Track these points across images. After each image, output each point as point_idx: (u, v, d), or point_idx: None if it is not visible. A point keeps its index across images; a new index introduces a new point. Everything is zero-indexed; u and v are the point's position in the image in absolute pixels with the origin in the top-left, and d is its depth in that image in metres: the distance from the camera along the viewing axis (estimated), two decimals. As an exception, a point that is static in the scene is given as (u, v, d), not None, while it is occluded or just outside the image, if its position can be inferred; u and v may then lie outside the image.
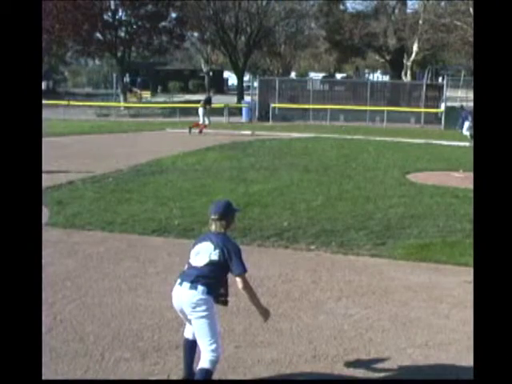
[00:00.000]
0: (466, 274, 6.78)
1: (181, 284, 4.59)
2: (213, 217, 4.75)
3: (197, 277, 4.54)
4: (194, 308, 4.49)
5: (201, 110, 25.60)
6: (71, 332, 5.66)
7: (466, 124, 22.97)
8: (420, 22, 37.71)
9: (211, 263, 4.57)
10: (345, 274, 7.49)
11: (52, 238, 8.69)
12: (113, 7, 40.93)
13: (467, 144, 21.09)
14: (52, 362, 5.05)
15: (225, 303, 4.89)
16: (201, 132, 24.94)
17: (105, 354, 5.22)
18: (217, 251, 4.59)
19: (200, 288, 4.49)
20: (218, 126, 27.68)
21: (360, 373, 4.99)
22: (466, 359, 5.04)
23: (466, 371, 4.87)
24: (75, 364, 5.04)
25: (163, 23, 42.76)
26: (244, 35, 48.96)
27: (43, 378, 4.08)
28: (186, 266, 4.75)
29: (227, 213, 4.78)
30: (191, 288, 4.50)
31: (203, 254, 4.63)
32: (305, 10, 51.06)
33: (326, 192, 12.45)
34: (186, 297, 4.52)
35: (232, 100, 43.05)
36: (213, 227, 4.76)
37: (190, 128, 24.97)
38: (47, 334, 5.56)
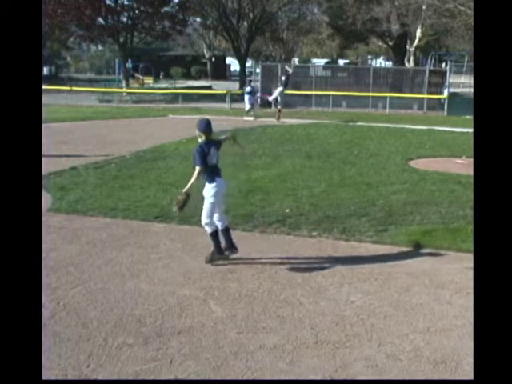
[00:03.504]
0: (468, 261, 6.78)
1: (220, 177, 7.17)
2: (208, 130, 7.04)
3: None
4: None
5: None
6: (74, 317, 5.69)
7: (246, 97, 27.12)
8: (423, 7, 37.48)
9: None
10: (347, 260, 7.51)
11: (54, 223, 8.71)
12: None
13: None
14: (55, 346, 5.08)
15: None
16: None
17: (108, 339, 5.25)
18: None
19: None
20: (220, 113, 27.64)
21: (362, 359, 5.01)
22: (468, 345, 5.06)
23: (468, 357, 4.89)
24: (78, 349, 5.06)
25: (165, 8, 42.61)
26: (246, 21, 48.80)
27: (43, 378, 4.10)
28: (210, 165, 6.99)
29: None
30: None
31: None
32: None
33: (329, 178, 12.45)
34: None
35: (234, 86, 42.91)
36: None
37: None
38: (51, 319, 5.58)
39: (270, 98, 26.21)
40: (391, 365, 4.93)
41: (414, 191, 11.35)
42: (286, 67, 28.98)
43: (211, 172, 7.04)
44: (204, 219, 7.17)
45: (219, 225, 7.23)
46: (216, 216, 7.17)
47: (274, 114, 27.51)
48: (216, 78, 69.35)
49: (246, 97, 27.75)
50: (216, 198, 7.08)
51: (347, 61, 77.77)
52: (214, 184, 7.05)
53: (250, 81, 31.22)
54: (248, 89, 28.21)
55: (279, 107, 25.71)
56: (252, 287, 6.51)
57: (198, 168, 6.92)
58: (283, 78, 26.50)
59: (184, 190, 6.97)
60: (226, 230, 7.31)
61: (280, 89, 26.12)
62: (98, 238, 8.15)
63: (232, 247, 7.33)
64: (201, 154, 6.94)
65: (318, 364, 4.91)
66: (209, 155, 6.98)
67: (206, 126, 7.08)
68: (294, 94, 33.37)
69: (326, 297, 6.31)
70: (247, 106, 27.47)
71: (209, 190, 7.06)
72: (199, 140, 7.10)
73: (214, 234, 7.23)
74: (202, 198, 7.13)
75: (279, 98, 26.00)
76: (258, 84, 34.40)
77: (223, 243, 7.32)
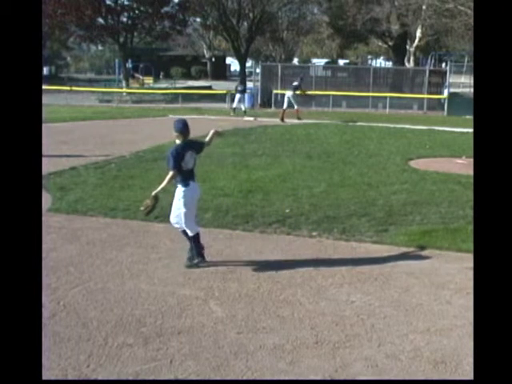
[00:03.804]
0: (468, 261, 6.78)
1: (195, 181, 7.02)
2: (184, 131, 6.90)
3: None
4: None
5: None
6: (74, 317, 5.69)
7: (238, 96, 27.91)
8: (423, 7, 37.43)
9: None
10: (347, 260, 7.51)
11: (54, 223, 8.71)
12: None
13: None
14: (56, 346, 5.08)
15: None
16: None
17: (108, 339, 5.25)
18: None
19: None
20: (220, 113, 27.65)
21: (362, 359, 5.01)
22: (468, 345, 5.06)
23: (468, 357, 4.89)
24: (78, 349, 5.06)
25: (165, 8, 42.58)
26: (246, 21, 48.73)
27: (43, 378, 4.10)
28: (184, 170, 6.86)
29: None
30: None
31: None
32: (307, -5, 50.75)
33: (329, 179, 12.45)
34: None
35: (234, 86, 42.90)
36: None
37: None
38: (51, 319, 5.58)
39: (296, 106, 26.32)
40: (391, 365, 4.93)
41: (414, 191, 11.35)
42: (302, 75, 29.81)
43: (185, 176, 6.91)
44: (185, 224, 7.04)
45: (177, 227, 7.18)
46: (176, 219, 7.11)
47: (274, 114, 27.54)
48: (216, 78, 69.33)
49: (238, 95, 27.83)
50: (190, 201, 6.98)
51: (347, 61, 77.74)
52: (188, 188, 6.92)
53: (243, 79, 31.08)
54: (240, 87, 28.20)
55: (285, 108, 25.92)
56: (252, 287, 6.51)
57: (171, 172, 6.80)
58: (295, 84, 26.73)
59: (153, 194, 6.88)
60: (185, 232, 7.17)
61: (289, 93, 26.28)
62: (98, 238, 8.15)
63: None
64: (175, 158, 6.79)
65: (318, 364, 4.91)
66: (183, 160, 6.83)
67: (183, 127, 6.91)
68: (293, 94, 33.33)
69: (326, 297, 6.31)
70: (235, 104, 27.83)
71: (182, 194, 6.94)
72: (176, 141, 6.96)
73: (196, 237, 7.09)
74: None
75: (286, 101, 26.15)
76: (258, 84, 34.40)
77: (188, 245, 7.19)
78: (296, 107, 26.09)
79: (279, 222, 9.02)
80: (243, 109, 27.59)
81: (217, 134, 7.57)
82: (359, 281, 6.79)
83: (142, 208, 7.10)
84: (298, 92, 26.74)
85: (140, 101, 36.95)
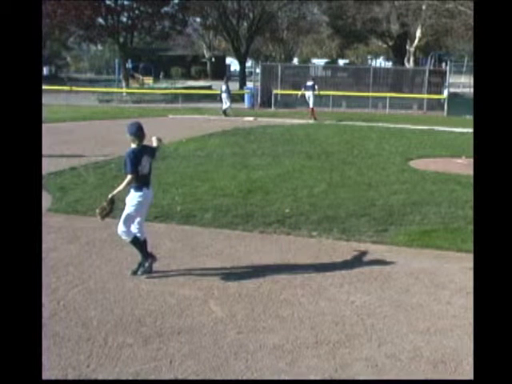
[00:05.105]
0: (468, 261, 6.77)
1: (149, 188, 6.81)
2: (139, 134, 6.65)
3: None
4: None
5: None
6: (74, 317, 5.69)
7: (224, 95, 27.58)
8: (423, 7, 37.44)
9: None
10: (346, 260, 7.51)
11: (54, 223, 8.71)
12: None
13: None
14: (55, 346, 5.08)
15: None
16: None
17: (108, 339, 5.25)
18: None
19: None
20: (220, 113, 27.64)
21: (362, 359, 5.01)
22: (468, 345, 5.07)
23: (468, 357, 4.89)
24: (78, 349, 5.06)
25: (165, 8, 42.56)
26: (246, 21, 48.78)
27: (43, 378, 4.10)
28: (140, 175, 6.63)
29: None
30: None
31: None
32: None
33: (328, 178, 12.45)
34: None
35: (234, 86, 42.91)
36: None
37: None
38: (51, 319, 5.58)
39: (311, 105, 26.70)
40: (391, 365, 4.93)
41: (413, 191, 11.35)
42: (314, 76, 31.18)
43: (140, 181, 6.65)
44: (121, 228, 6.74)
45: (138, 236, 6.83)
46: (136, 227, 6.80)
47: (274, 114, 27.53)
48: (216, 78, 69.32)
49: (224, 95, 27.57)
50: (138, 208, 6.70)
51: (347, 61, 77.71)
52: (140, 194, 6.66)
53: (228, 79, 30.67)
54: (224, 87, 27.84)
55: (311, 107, 26.62)
56: (252, 287, 6.51)
57: (129, 176, 6.55)
58: (310, 83, 27.42)
59: (109, 197, 6.63)
60: (145, 243, 6.92)
61: (309, 93, 27.06)
62: (97, 238, 8.15)
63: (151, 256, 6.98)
64: (132, 161, 6.54)
65: (317, 364, 4.91)
66: (140, 164, 6.60)
67: (137, 130, 6.65)
68: (293, 94, 33.34)
69: (326, 297, 6.31)
70: (225, 105, 27.59)
71: (133, 199, 6.68)
72: (132, 145, 6.67)
73: (135, 241, 6.81)
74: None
75: (312, 99, 26.88)
76: (258, 84, 34.36)
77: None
78: (311, 106, 26.61)
79: (279, 221, 9.02)
80: (223, 107, 27.47)
81: (159, 140, 7.31)
82: (359, 281, 6.79)
83: (97, 211, 6.76)
84: (316, 92, 27.23)
85: (140, 101, 36.91)
